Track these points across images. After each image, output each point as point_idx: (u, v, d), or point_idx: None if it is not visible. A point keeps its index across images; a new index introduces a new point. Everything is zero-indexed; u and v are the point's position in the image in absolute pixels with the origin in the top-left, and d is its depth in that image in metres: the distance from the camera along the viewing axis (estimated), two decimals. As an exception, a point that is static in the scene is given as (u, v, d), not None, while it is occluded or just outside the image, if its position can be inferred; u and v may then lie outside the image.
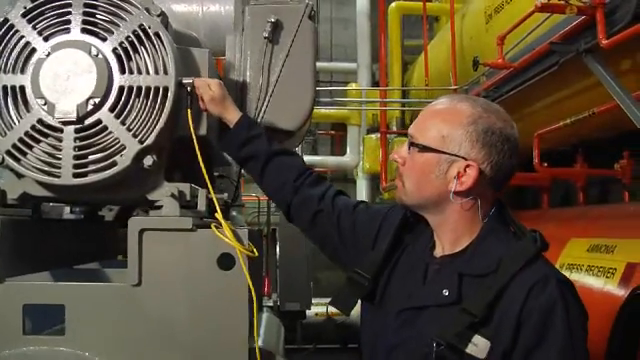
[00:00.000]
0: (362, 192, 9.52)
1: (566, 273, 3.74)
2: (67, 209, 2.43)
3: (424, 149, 1.44)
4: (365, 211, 1.69)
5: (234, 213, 5.57)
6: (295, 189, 1.73)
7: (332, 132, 11.65)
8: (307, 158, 10.00)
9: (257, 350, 1.50)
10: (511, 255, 1.36)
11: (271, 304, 7.57)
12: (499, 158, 1.40)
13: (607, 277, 3.30)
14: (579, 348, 1.32)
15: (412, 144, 1.47)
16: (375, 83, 9.67)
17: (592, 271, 3.47)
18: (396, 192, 1.52)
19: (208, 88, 1.67)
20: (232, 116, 1.75)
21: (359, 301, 1.58)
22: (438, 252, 1.48)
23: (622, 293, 3.09)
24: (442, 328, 1.33)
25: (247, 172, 1.83)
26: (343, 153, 10.49)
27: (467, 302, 1.34)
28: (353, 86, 9.69)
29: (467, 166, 1.39)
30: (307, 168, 1.79)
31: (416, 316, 1.42)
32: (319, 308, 8.28)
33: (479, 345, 1.31)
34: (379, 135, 8.31)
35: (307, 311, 7.86)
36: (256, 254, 1.52)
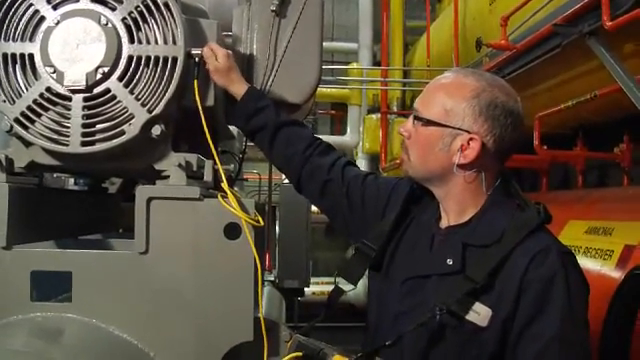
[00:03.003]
0: (361, 172, 9.53)
1: (564, 254, 3.77)
2: (71, 181, 2.44)
3: (428, 123, 1.46)
4: (374, 182, 1.70)
5: (236, 188, 5.59)
6: (305, 159, 1.74)
7: (332, 112, 11.64)
8: (307, 137, 9.99)
9: (261, 318, 1.52)
10: (514, 226, 1.38)
11: (272, 279, 7.62)
12: (502, 131, 1.42)
13: (604, 259, 3.34)
14: (579, 318, 1.34)
15: (416, 118, 1.49)
16: (376, 63, 9.65)
17: (590, 253, 3.51)
18: (402, 165, 1.54)
19: (214, 58, 1.67)
20: (238, 89, 1.74)
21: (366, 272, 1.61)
22: (444, 223, 1.51)
23: (619, 275, 3.12)
24: (444, 295, 1.35)
25: (256, 144, 1.84)
26: (343, 133, 10.49)
27: (469, 270, 1.36)
28: (354, 65, 9.66)
29: (470, 139, 1.42)
30: (316, 138, 1.79)
31: (421, 284, 1.45)
32: (317, 287, 8.36)
33: (481, 313, 1.33)
34: (379, 115, 8.32)
35: (305, 289, 7.92)
36: (262, 223, 1.54)
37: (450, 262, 1.41)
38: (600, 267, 3.33)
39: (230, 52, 1.71)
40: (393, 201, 1.62)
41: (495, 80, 1.48)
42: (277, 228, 7.83)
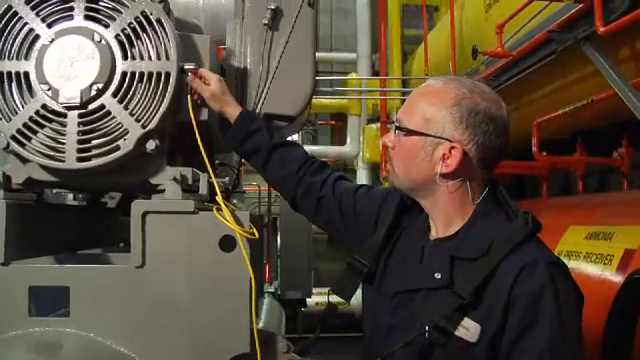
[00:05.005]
0: (362, 181, 9.54)
1: (564, 260, 3.76)
2: (70, 196, 2.45)
3: (409, 132, 1.45)
4: (366, 194, 1.71)
5: (235, 201, 5.60)
6: (298, 179, 1.75)
7: (332, 122, 11.68)
8: (307, 148, 9.90)
9: (255, 330, 1.52)
10: (502, 237, 1.35)
11: (272, 290, 7.62)
12: (484, 139, 1.40)
13: (605, 264, 3.34)
14: (570, 330, 1.31)
15: (398, 128, 1.48)
16: (375, 73, 9.69)
17: (590, 258, 3.51)
18: (389, 176, 1.54)
19: (205, 86, 1.68)
20: (233, 111, 1.75)
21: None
22: (432, 235, 1.49)
23: (619, 279, 3.12)
24: (432, 311, 1.34)
25: (252, 166, 1.85)
26: (343, 143, 10.51)
27: (457, 285, 1.35)
28: (353, 76, 9.70)
29: (452, 147, 1.39)
30: (309, 157, 1.80)
31: (410, 298, 1.44)
32: (319, 297, 8.36)
33: (470, 329, 1.31)
34: (379, 125, 8.33)
35: (307, 300, 7.92)
36: (256, 236, 1.55)
37: (438, 276, 1.39)
38: (601, 272, 3.33)
39: (220, 76, 1.72)
40: (384, 212, 1.62)
41: (476, 87, 1.45)
42: (278, 239, 7.85)
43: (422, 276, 1.44)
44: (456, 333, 1.32)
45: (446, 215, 1.46)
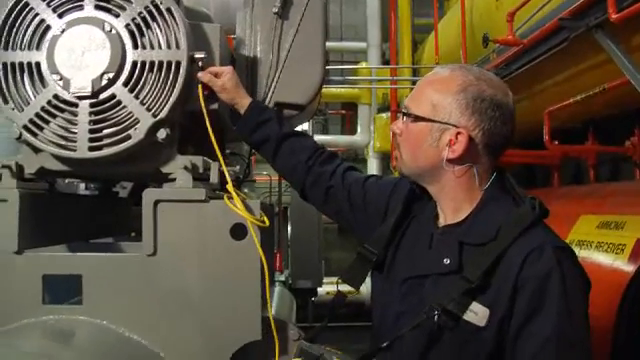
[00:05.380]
0: (373, 171, 9.57)
1: (576, 250, 3.75)
2: (82, 185, 2.47)
3: (416, 119, 1.47)
4: (375, 184, 1.72)
5: (246, 190, 5.62)
6: (307, 169, 1.76)
7: (343, 111, 11.66)
8: (318, 138, 9.98)
9: (270, 317, 1.54)
10: (509, 222, 1.37)
11: (283, 279, 7.64)
12: (490, 125, 1.41)
13: (616, 253, 3.32)
14: (576, 315, 1.31)
15: (405, 114, 1.50)
16: (385, 62, 9.66)
17: (602, 247, 3.49)
18: (396, 163, 1.55)
19: (216, 80, 1.70)
20: (243, 102, 1.77)
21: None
22: (441, 222, 1.51)
23: (631, 269, 3.11)
24: (441, 295, 1.35)
25: (262, 156, 1.87)
26: (354, 132, 10.50)
27: (466, 270, 1.36)
28: (363, 65, 9.67)
29: (458, 133, 1.41)
30: (318, 147, 1.81)
31: (420, 284, 1.45)
32: (330, 287, 8.39)
33: (479, 313, 1.32)
34: (389, 114, 8.32)
35: (318, 289, 7.94)
36: (267, 223, 1.55)
37: (447, 262, 1.40)
38: (612, 261, 3.32)
39: (232, 68, 1.73)
40: (394, 201, 1.63)
41: (483, 74, 1.47)
42: (289, 229, 7.87)
43: (431, 262, 1.45)
44: (465, 317, 1.33)
45: (454, 201, 1.47)
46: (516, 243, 1.34)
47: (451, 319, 1.33)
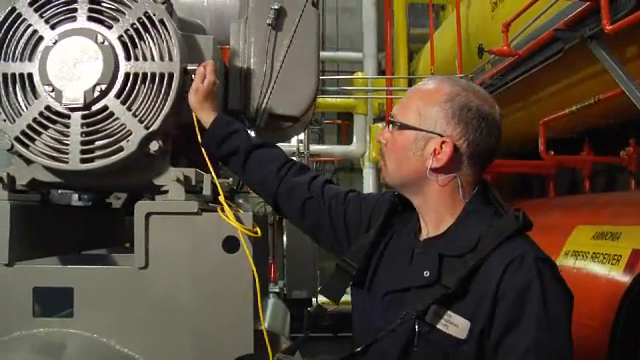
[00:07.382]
0: (369, 181, 9.56)
1: (571, 260, 3.76)
2: (75, 196, 2.46)
3: (402, 127, 1.46)
4: (356, 200, 1.69)
5: (240, 200, 5.60)
6: (279, 179, 1.72)
7: (339, 121, 11.66)
8: (314, 147, 10.04)
9: (264, 330, 1.53)
10: (490, 233, 1.35)
11: (277, 290, 7.61)
12: (476, 135, 1.41)
13: (612, 264, 3.32)
14: (557, 327, 1.29)
15: (391, 122, 1.50)
16: (381, 72, 9.67)
17: (597, 258, 3.49)
18: (381, 172, 1.54)
19: (201, 80, 1.66)
20: (207, 116, 1.71)
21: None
22: (423, 235, 1.49)
23: (627, 279, 3.11)
24: (418, 305, 1.33)
25: (230, 170, 1.83)
26: (349, 142, 10.49)
27: (444, 278, 1.34)
28: (359, 75, 9.68)
29: (443, 142, 1.40)
30: (289, 159, 1.78)
31: (400, 298, 1.43)
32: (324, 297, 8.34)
33: (459, 325, 1.30)
34: (385, 124, 8.31)
35: (313, 299, 7.91)
36: (259, 234, 1.54)
37: (427, 274, 1.38)
38: (608, 272, 3.32)
39: (217, 82, 1.70)
40: (375, 218, 1.61)
41: (470, 86, 1.47)
42: (284, 239, 7.84)
43: (411, 276, 1.43)
44: (445, 330, 1.31)
45: (437, 212, 1.46)
46: (497, 252, 1.32)
47: (426, 326, 1.32)
